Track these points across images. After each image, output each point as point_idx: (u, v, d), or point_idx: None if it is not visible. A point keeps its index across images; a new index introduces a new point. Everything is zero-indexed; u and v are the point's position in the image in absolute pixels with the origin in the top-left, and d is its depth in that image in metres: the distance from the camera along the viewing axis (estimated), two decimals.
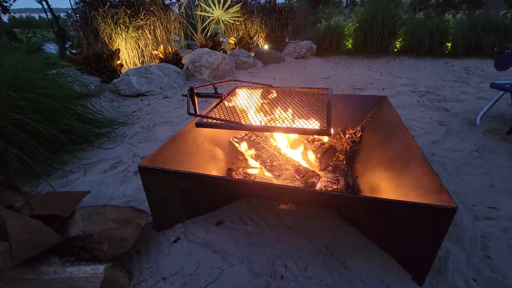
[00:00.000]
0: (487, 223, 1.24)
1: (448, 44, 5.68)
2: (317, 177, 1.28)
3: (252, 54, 5.14)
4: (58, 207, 1.00)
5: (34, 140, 1.67)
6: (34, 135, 1.70)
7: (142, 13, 4.45)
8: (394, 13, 5.75)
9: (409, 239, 0.96)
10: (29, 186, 1.58)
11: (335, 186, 1.28)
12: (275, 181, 1.31)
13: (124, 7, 4.28)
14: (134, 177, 1.66)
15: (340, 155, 1.54)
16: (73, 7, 4.74)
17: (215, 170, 1.46)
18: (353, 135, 1.68)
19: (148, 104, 3.08)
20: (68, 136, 1.88)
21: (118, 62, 4.15)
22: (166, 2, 4.94)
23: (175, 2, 5.43)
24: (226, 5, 5.27)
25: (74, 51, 4.59)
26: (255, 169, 1.47)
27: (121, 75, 3.63)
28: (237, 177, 1.44)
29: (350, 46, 6.22)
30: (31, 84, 1.89)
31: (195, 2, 5.28)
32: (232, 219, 1.28)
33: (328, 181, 1.33)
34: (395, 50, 6.06)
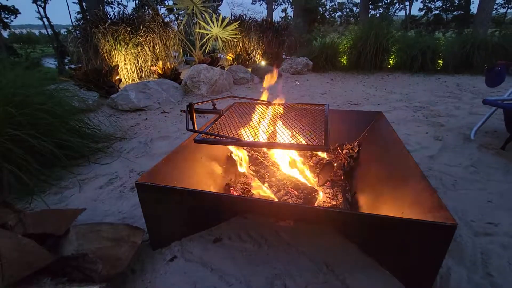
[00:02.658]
0: (487, 239, 1.23)
1: (439, 61, 5.85)
2: (316, 193, 1.27)
3: (250, 70, 5.23)
4: (52, 226, 0.97)
5: (29, 156, 1.65)
6: (30, 151, 1.68)
7: (142, 30, 4.56)
8: (387, 31, 5.95)
9: (410, 256, 0.94)
10: (22, 202, 1.54)
11: (334, 202, 1.27)
12: (274, 197, 1.30)
13: (124, 25, 4.38)
14: (131, 193, 1.64)
15: (338, 171, 1.54)
16: (74, 24, 4.85)
17: (213, 186, 1.45)
18: (350, 150, 1.69)
19: (146, 119, 3.08)
20: (64, 152, 1.86)
21: (117, 77, 4.20)
22: (165, 20, 5.07)
23: (175, 20, 5.58)
24: (225, 23, 5.42)
25: (73, 66, 4.65)
26: (253, 185, 1.47)
27: (119, 90, 3.66)
28: (235, 193, 1.43)
29: (345, 62, 6.38)
30: (29, 99, 1.89)
31: (194, 20, 5.42)
32: (230, 236, 1.26)
33: (326, 197, 1.32)
34: (389, 66, 6.22)
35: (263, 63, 6.02)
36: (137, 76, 4.74)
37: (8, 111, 1.70)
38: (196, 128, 1.27)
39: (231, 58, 5.87)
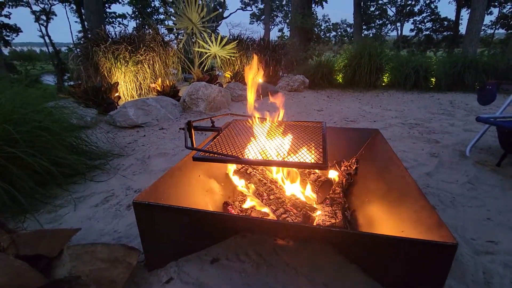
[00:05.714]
0: (488, 258, 1.22)
1: (432, 79, 6.02)
2: (315, 211, 1.26)
3: None
4: (45, 247, 0.95)
5: (24, 174, 1.63)
6: (26, 168, 1.67)
7: (142, 49, 4.66)
8: (380, 51, 6.15)
9: (412, 277, 0.93)
10: (15, 222, 1.51)
11: (333, 221, 1.26)
12: (272, 216, 1.29)
13: (125, 44, 4.48)
14: (127, 212, 1.61)
15: (336, 188, 1.54)
16: (75, 42, 4.96)
17: (211, 204, 1.43)
18: (348, 168, 1.70)
19: (144, 135, 3.09)
20: (60, 169, 1.84)
21: (116, 94, 4.24)
22: (165, 39, 5.20)
23: (174, 39, 5.73)
24: (223, 42, 5.57)
25: (71, 83, 4.69)
26: (251, 203, 1.45)
27: (118, 107, 3.68)
28: (233, 211, 1.41)
29: (340, 80, 6.52)
30: (27, 117, 1.90)
31: (193, 39, 5.57)
32: (228, 256, 1.23)
33: (325, 215, 1.31)
34: (383, 84, 6.37)
35: (260, 80, 6.13)
36: (136, 93, 4.79)
37: (6, 128, 1.69)
38: (194, 146, 1.27)
39: (229, 76, 5.99)
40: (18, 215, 1.54)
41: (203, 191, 1.44)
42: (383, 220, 1.17)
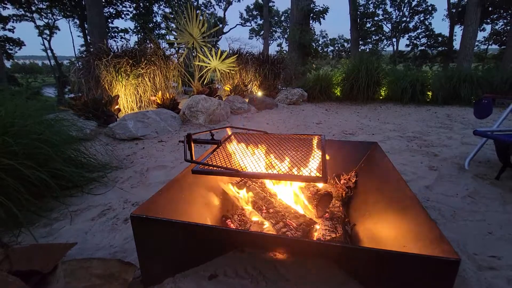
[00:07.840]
0: (491, 273, 1.20)
1: (428, 93, 6.11)
2: (315, 225, 1.25)
3: (247, 100, 5.38)
4: (40, 262, 0.93)
5: (21, 186, 1.61)
6: (23, 180, 1.65)
7: (144, 63, 4.73)
8: (377, 65, 6.27)
9: None
10: (9, 236, 1.48)
11: (333, 235, 1.24)
12: (272, 230, 1.27)
13: (127, 57, 4.55)
14: (124, 225, 1.58)
15: (336, 202, 1.53)
16: (77, 56, 5.04)
17: (210, 218, 1.41)
18: (347, 181, 1.69)
19: (143, 148, 3.08)
20: (57, 181, 1.82)
21: (116, 107, 4.27)
22: (166, 53, 5.29)
23: (175, 53, 5.83)
24: (223, 57, 5.67)
25: (72, 95, 4.72)
26: (250, 217, 1.44)
27: (118, 119, 3.69)
28: (232, 225, 1.39)
29: (338, 93, 6.61)
30: (27, 129, 1.90)
31: (193, 53, 5.67)
32: (226, 272, 1.20)
33: (326, 229, 1.29)
34: (381, 97, 6.45)
35: (259, 93, 6.20)
36: (137, 105, 4.82)
37: (6, 140, 1.69)
38: (194, 158, 1.27)
39: (228, 89, 6.05)
40: (13, 229, 1.51)
41: (202, 205, 1.43)
42: (384, 234, 1.16)
